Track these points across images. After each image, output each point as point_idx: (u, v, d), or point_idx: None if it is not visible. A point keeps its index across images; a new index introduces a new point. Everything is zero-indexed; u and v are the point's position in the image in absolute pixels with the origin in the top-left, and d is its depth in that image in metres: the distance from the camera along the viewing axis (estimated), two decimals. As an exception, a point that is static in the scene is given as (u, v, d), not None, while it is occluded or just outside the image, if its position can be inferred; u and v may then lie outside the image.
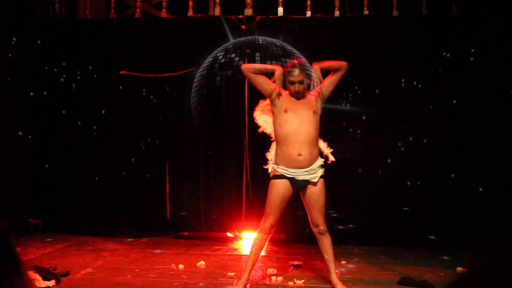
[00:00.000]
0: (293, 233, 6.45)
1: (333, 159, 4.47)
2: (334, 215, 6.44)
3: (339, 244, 6.33)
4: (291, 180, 4.34)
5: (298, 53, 6.28)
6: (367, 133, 6.43)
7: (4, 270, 1.00)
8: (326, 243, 4.51)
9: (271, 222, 4.37)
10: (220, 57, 6.60)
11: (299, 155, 4.28)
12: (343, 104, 6.47)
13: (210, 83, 6.63)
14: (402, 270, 5.18)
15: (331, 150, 4.51)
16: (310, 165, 4.31)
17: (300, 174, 4.32)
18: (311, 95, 4.49)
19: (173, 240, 6.53)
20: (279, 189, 4.36)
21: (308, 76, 4.44)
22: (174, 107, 6.79)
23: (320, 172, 4.37)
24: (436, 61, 6.28)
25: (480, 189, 6.05)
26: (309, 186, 4.36)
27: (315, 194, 4.37)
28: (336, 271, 4.60)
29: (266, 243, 4.64)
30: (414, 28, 6.35)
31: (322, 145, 4.50)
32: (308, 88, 4.55)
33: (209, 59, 6.63)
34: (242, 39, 6.47)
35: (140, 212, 6.78)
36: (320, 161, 4.39)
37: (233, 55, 6.56)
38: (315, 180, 4.34)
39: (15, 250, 1.06)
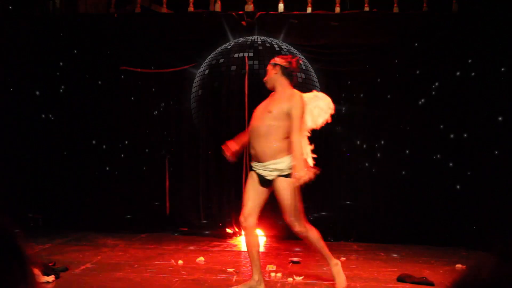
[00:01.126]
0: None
1: (311, 164, 4.29)
2: (334, 212, 6.47)
3: (339, 241, 6.35)
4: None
5: (297, 52, 6.29)
6: (366, 132, 6.43)
7: (7, 267, 0.99)
8: (311, 240, 4.38)
9: (243, 213, 4.28)
10: (220, 56, 6.61)
11: (252, 148, 4.29)
12: (343, 102, 6.47)
13: (210, 80, 6.63)
14: (401, 267, 5.18)
15: (314, 156, 4.39)
16: (264, 161, 4.21)
17: (258, 168, 4.27)
18: (287, 96, 4.25)
19: (172, 236, 6.54)
20: (248, 178, 4.40)
21: (274, 65, 4.34)
22: (174, 102, 6.78)
23: (276, 173, 4.18)
24: (437, 58, 6.27)
25: (480, 187, 6.05)
26: (273, 184, 4.24)
27: (277, 193, 4.23)
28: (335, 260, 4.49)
29: (257, 239, 4.41)
30: (415, 25, 6.34)
31: (306, 147, 4.35)
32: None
33: (209, 58, 6.63)
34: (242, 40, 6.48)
35: (140, 208, 6.78)
36: (281, 164, 4.16)
37: (234, 55, 6.58)
38: (269, 178, 4.20)
39: (21, 245, 1.06)
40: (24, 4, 6.66)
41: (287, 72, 4.32)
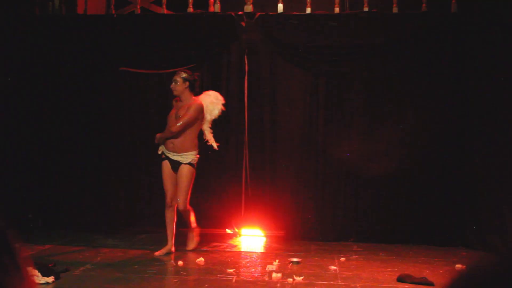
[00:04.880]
0: (292, 230, 6.46)
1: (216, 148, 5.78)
2: (334, 212, 6.47)
3: (339, 241, 6.35)
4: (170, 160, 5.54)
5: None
6: (366, 131, 6.43)
7: (2, 266, 0.99)
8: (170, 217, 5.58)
9: (170, 196, 5.60)
10: (220, 56, 6.61)
11: (171, 143, 5.51)
12: (342, 102, 6.47)
13: (210, 81, 6.64)
14: (401, 267, 5.18)
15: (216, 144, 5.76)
16: (180, 152, 5.50)
17: (174, 156, 5.53)
18: (191, 104, 5.44)
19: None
20: (164, 170, 5.62)
21: (181, 77, 5.48)
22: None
23: (187, 161, 5.47)
24: (436, 58, 6.28)
25: (480, 186, 6.06)
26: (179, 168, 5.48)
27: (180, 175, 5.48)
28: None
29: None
30: (414, 25, 6.34)
31: (209, 134, 5.78)
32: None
33: (209, 58, 6.63)
34: None
35: (139, 208, 6.77)
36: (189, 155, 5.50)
37: (233, 55, 6.58)
38: (183, 162, 5.46)
39: (15, 245, 1.06)
40: (24, 5, 6.66)
41: (192, 85, 5.52)
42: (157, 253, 5.56)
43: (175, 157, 5.52)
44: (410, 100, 6.34)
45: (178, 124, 5.45)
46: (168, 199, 5.61)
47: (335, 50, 6.49)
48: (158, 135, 5.58)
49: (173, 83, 5.54)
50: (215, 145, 5.74)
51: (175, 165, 5.53)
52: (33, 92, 6.77)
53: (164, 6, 6.82)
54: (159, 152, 5.63)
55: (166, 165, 5.59)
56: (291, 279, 4.72)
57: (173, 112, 5.61)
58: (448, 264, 5.30)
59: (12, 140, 6.53)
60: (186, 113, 5.45)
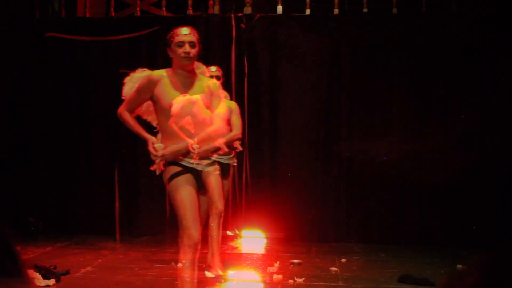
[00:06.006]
0: (292, 231, 6.45)
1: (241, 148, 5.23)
2: (335, 213, 6.46)
3: (340, 242, 6.35)
4: None
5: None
6: (366, 131, 6.43)
7: (3, 269, 1.00)
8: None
9: None
10: (219, 58, 6.61)
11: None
12: (343, 102, 6.48)
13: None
14: (402, 268, 5.18)
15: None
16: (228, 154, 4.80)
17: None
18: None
19: (172, 239, 6.51)
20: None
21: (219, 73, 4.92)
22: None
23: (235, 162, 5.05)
24: (436, 59, 6.29)
25: (481, 187, 6.06)
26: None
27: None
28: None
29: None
30: (414, 26, 6.35)
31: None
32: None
33: (208, 60, 6.62)
34: None
35: (140, 211, 6.77)
36: None
37: (233, 57, 6.59)
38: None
39: (15, 248, 1.06)
40: (24, 7, 6.67)
41: None
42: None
43: (226, 160, 4.87)
44: (410, 99, 6.34)
45: (241, 123, 5.03)
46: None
47: (334, 50, 6.49)
48: (225, 141, 3.84)
49: (217, 79, 4.36)
50: (239, 146, 5.16)
51: (225, 168, 4.82)
52: (33, 94, 6.77)
53: (164, 8, 6.82)
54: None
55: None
56: (292, 281, 4.72)
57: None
58: (449, 265, 5.30)
59: (12, 143, 6.53)
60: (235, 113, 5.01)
